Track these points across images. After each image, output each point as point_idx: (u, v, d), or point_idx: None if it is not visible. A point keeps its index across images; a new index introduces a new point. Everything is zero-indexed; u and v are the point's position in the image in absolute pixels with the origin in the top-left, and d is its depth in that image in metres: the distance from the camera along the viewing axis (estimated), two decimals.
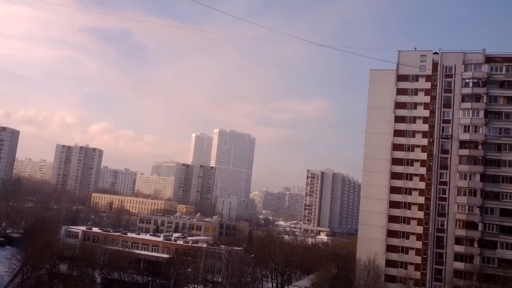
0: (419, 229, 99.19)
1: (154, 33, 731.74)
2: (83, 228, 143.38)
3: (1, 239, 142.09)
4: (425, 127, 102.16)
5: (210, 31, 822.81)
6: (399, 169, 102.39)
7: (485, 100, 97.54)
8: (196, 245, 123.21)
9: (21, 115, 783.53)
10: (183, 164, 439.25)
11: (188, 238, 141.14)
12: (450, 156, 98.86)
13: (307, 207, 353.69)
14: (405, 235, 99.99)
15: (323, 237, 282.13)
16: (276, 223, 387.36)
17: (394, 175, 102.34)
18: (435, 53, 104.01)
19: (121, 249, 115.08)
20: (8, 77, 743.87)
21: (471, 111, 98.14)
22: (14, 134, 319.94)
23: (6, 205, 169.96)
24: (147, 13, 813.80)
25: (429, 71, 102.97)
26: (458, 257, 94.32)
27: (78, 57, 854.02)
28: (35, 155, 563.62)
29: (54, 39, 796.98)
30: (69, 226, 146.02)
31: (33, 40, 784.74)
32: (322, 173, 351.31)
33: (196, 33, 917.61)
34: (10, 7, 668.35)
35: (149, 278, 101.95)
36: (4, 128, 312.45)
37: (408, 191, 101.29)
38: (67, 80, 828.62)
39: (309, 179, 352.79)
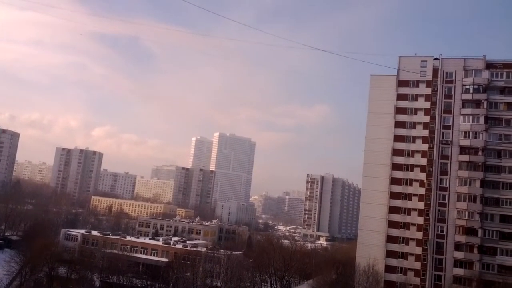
0: (419, 235, 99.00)
1: (161, 39, 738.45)
2: (82, 231, 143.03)
3: (0, 241, 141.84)
4: (425, 133, 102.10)
5: (216, 37, 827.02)
6: (399, 174, 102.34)
7: (485, 106, 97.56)
8: (195, 249, 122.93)
9: (25, 118, 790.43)
10: (183, 168, 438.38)
11: (187, 242, 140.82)
12: (450, 162, 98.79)
13: (306, 212, 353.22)
14: (405, 240, 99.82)
15: (322, 242, 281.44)
16: (276, 227, 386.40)
17: (394, 181, 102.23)
18: (436, 58, 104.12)
19: (120, 252, 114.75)
20: (15, 81, 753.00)
21: (471, 117, 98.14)
22: (14, 137, 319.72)
23: (5, 208, 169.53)
24: (155, 20, 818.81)
25: (429, 77, 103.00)
26: (457, 263, 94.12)
27: (85, 62, 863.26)
28: (37, 158, 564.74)
29: (62, 45, 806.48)
30: (68, 229, 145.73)
31: (41, 45, 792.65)
32: (322, 177, 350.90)
33: (202, 40, 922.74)
34: (20, 12, 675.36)
35: (148, 282, 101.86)
36: (4, 131, 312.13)
37: (408, 197, 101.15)
38: (73, 85, 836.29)
39: (309, 183, 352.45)
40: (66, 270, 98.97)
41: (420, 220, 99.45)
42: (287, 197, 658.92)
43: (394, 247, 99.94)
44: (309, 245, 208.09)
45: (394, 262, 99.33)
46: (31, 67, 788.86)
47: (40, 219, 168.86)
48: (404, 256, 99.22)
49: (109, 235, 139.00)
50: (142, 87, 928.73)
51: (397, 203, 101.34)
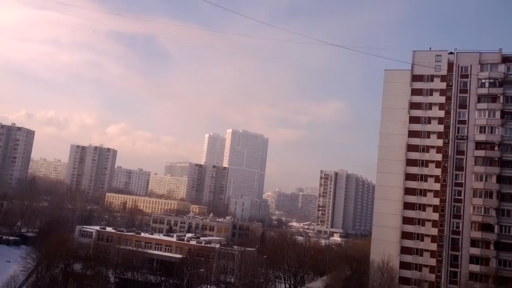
0: (434, 231, 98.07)
1: (176, 37, 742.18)
2: (97, 227, 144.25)
3: (16, 238, 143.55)
4: (440, 128, 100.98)
5: (230, 34, 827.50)
6: (413, 170, 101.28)
7: (501, 101, 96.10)
8: (209, 245, 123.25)
9: (41, 116, 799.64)
10: (196, 164, 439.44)
11: (201, 238, 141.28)
12: (466, 157, 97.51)
13: (320, 208, 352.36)
14: (420, 236, 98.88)
15: (336, 238, 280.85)
16: (289, 224, 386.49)
17: (409, 176, 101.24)
18: (451, 53, 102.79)
19: (134, 249, 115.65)
20: (32, 80, 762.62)
21: (487, 112, 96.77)
22: (29, 134, 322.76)
23: (21, 205, 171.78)
24: (171, 18, 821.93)
25: (444, 71, 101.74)
26: (473, 259, 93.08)
27: (101, 60, 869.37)
28: (52, 156, 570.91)
29: (79, 43, 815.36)
30: (83, 226, 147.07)
31: (58, 44, 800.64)
32: (336, 173, 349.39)
33: (217, 37, 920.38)
34: (37, 11, 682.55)
35: (162, 278, 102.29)
36: (19, 128, 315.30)
37: (423, 193, 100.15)
38: (89, 83, 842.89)
39: (323, 180, 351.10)
40: (81, 266, 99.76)
41: (435, 216, 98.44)
42: (301, 193, 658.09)
43: (409, 243, 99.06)
44: (323, 242, 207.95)
45: (409, 258, 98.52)
46: (48, 66, 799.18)
47: (55, 216, 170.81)
48: (419, 252, 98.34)
49: (123, 231, 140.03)
50: (157, 85, 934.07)
51: (412, 199, 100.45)
